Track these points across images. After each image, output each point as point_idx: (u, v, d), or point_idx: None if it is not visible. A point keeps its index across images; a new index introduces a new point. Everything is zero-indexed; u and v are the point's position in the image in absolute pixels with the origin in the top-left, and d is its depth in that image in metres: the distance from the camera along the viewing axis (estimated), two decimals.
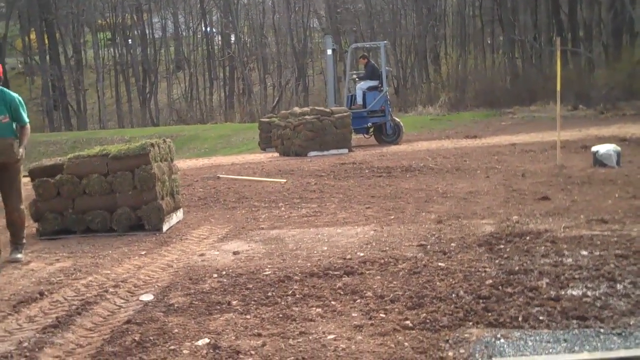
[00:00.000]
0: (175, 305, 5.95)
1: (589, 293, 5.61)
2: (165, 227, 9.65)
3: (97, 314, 5.85)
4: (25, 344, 5.20)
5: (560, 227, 8.15)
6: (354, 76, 23.92)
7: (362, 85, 23.01)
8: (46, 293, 6.62)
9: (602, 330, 4.84)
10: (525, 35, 43.80)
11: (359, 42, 42.78)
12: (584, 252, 6.93)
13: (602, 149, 13.68)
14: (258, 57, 56.00)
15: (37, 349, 5.08)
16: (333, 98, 23.81)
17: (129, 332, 5.29)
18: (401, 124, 23.61)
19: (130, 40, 58.17)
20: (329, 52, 23.65)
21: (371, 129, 23.33)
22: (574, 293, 5.64)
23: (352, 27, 51.78)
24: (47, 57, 56.20)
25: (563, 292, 5.66)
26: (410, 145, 22.17)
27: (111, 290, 6.60)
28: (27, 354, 5.00)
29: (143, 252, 8.33)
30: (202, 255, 7.94)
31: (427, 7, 48.88)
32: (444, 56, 52.03)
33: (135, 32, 57.88)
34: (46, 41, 56.84)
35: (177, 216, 10.43)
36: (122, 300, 6.24)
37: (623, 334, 4.76)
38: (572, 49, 41.01)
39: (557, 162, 14.19)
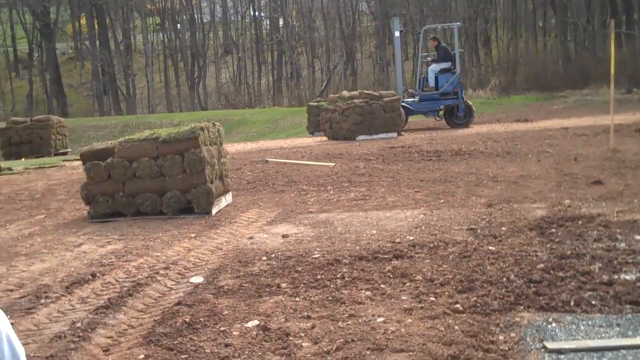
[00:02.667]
0: (225, 287, 5.99)
1: None
2: (214, 210, 9.71)
3: (148, 296, 5.91)
4: (78, 325, 5.28)
5: (613, 212, 8.02)
6: (428, 59, 23.42)
7: (435, 67, 22.60)
8: (98, 275, 6.71)
9: None
10: (578, 17, 43.10)
11: (408, 26, 42.43)
12: (638, 237, 6.82)
13: None
14: (306, 41, 55.91)
15: (89, 330, 5.15)
16: (401, 81, 23.40)
17: (180, 314, 5.33)
18: (473, 107, 23.33)
19: (179, 25, 58.50)
20: (397, 34, 23.27)
21: (441, 112, 23.02)
22: (627, 278, 5.55)
23: (401, 10, 51.37)
24: (97, 42, 56.82)
25: (616, 277, 5.57)
26: (460, 129, 21.99)
27: (161, 272, 6.66)
28: (80, 334, 5.07)
29: (193, 235, 8.39)
30: (251, 238, 7.97)
31: None
32: (495, 39, 51.40)
33: (184, 16, 58.16)
34: (96, 26, 57.47)
35: (226, 199, 10.48)
36: (173, 282, 6.29)
37: None
38: (626, 31, 40.22)
39: (610, 146, 13.94)
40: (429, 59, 23.34)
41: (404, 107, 21.61)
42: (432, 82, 22.52)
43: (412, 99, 22.82)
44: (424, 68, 23.66)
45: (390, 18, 22.93)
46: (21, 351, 1.98)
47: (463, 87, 23.19)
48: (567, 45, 45.37)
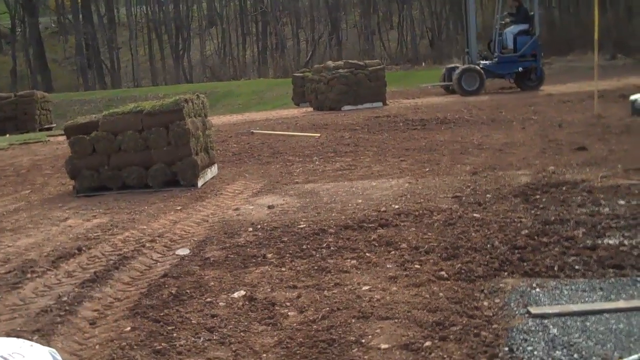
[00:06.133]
0: (211, 259, 6.00)
1: (625, 242, 5.57)
2: (200, 183, 9.70)
3: (135, 269, 5.92)
4: (65, 298, 5.28)
5: (597, 177, 8.06)
6: (508, 19, 22.98)
7: (513, 29, 22.39)
8: (84, 248, 6.71)
9: (638, 278, 4.80)
10: None
11: None
12: (621, 202, 6.86)
13: None
14: (291, 11, 55.63)
15: (76, 303, 5.16)
16: (475, 43, 23.08)
17: (166, 286, 5.34)
18: (544, 70, 23.14)
19: None
20: None
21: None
22: (611, 242, 5.59)
23: None
24: (80, 16, 56.31)
25: (599, 242, 5.61)
26: (445, 97, 22.00)
27: (148, 245, 6.67)
28: (67, 307, 5.07)
29: (178, 208, 8.39)
30: (236, 209, 7.98)
31: None
32: (479, 6, 51.19)
33: None
34: (79, 0, 56.92)
35: (212, 172, 10.48)
36: (159, 255, 6.30)
37: None
38: None
39: (595, 112, 13.99)
40: (507, 19, 22.95)
41: (482, 69, 21.75)
42: (510, 44, 22.31)
43: (486, 61, 22.67)
44: (501, 29, 23.00)
45: None
46: None
47: (541, 49, 22.96)
48: (551, 11, 45.25)
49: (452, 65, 24.15)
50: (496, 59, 22.35)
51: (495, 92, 22.74)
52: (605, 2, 38.20)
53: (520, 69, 22.20)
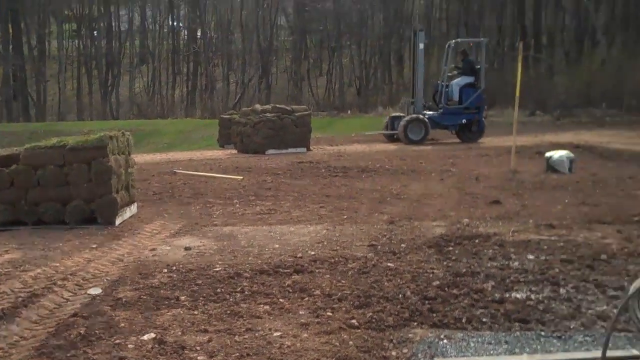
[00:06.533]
0: (124, 299, 5.95)
1: (532, 296, 5.74)
2: (118, 221, 9.60)
3: (44, 307, 5.83)
4: None
5: (509, 231, 8.30)
6: (455, 71, 23.54)
7: (459, 81, 22.82)
8: None
9: (542, 333, 4.95)
10: (490, 39, 44.11)
11: (324, 42, 42.69)
12: (531, 256, 7.08)
13: (556, 155, 13.91)
14: (223, 53, 55.74)
15: None
16: (422, 94, 23.35)
17: (75, 326, 5.28)
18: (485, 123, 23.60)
19: (95, 32, 57.58)
20: (421, 46, 23.27)
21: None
22: (518, 296, 5.76)
23: (319, 26, 51.88)
24: (10, 47, 55.31)
25: (507, 295, 5.77)
26: (368, 145, 22.28)
27: (59, 283, 6.56)
28: None
29: (94, 246, 8.29)
30: (153, 250, 7.93)
31: (394, 9, 49.01)
32: (408, 58, 52.18)
33: (102, 24, 57.30)
34: (10, 30, 55.94)
35: (131, 210, 10.39)
36: (70, 294, 6.21)
37: (563, 337, 4.88)
38: (534, 54, 41.44)
39: (511, 167, 14.36)
40: (455, 71, 23.47)
41: (427, 119, 22.14)
42: (456, 96, 22.75)
43: (431, 112, 23.01)
44: (447, 81, 23.34)
45: (417, 31, 22.84)
46: None
47: (485, 103, 23.46)
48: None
49: (396, 114, 24.57)
50: (441, 110, 22.85)
51: (395, 143, 23.06)
52: (528, 60, 39.41)
53: (464, 120, 22.77)
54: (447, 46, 24.25)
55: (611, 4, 43.22)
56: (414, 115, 22.33)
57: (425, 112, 22.81)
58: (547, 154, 14.21)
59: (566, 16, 44.50)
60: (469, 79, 22.78)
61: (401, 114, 23.90)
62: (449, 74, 23.28)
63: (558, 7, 44.16)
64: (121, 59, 57.14)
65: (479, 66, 23.06)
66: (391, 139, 23.51)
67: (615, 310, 4.98)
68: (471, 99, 22.42)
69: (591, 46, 42.88)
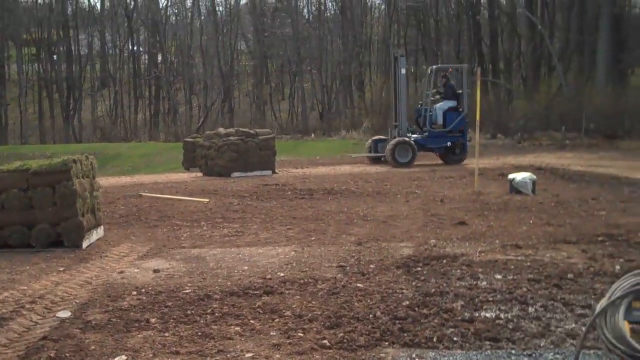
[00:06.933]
0: (93, 322, 5.91)
1: (501, 315, 5.81)
2: (85, 244, 9.54)
3: (12, 330, 5.77)
4: None
5: (476, 252, 8.39)
6: (437, 96, 23.80)
7: (442, 105, 23.12)
8: None
9: (513, 351, 5.01)
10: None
11: (285, 66, 42.80)
12: (498, 276, 7.16)
13: (518, 177, 14.08)
14: (185, 77, 55.67)
15: None
16: (406, 117, 23.47)
17: (44, 349, 5.24)
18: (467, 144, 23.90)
19: (55, 56, 57.20)
20: (403, 71, 23.46)
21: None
22: (488, 315, 5.82)
23: (278, 51, 52.08)
24: None
25: (477, 314, 5.84)
26: (333, 168, 22.37)
27: (27, 306, 6.50)
28: None
29: (61, 269, 8.23)
30: (121, 272, 7.89)
31: (353, 35, 49.40)
32: (369, 82, 52.57)
33: (61, 48, 56.92)
34: None
35: (98, 233, 10.32)
36: (39, 317, 6.16)
37: (533, 355, 4.93)
38: (492, 79, 42.01)
39: (475, 189, 14.53)
40: (437, 96, 23.76)
41: (414, 142, 22.48)
42: (439, 120, 23.08)
43: (416, 135, 23.29)
44: (430, 105, 23.61)
45: (397, 57, 23.16)
46: None
47: (467, 126, 23.73)
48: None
49: (378, 137, 24.99)
50: (427, 134, 23.18)
51: (381, 165, 23.21)
52: (487, 84, 39.94)
53: (449, 143, 23.07)
54: (429, 71, 24.76)
55: (565, 30, 44.05)
56: (401, 139, 22.62)
57: (410, 135, 23.08)
58: (510, 176, 14.38)
59: (522, 42, 45.19)
60: (451, 103, 23.17)
61: (383, 137, 24.42)
62: (432, 98, 23.66)
63: (514, 33, 44.85)
64: (82, 83, 56.77)
65: (460, 91, 23.47)
66: (375, 161, 23.89)
67: (583, 328, 5.06)
68: (455, 122, 22.79)
69: (548, 71, 43.67)
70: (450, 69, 24.86)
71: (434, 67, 24.83)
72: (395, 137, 22.89)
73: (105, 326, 5.79)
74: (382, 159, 23.39)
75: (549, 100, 36.30)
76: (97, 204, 10.46)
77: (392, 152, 22.28)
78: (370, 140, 25.11)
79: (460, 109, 23.14)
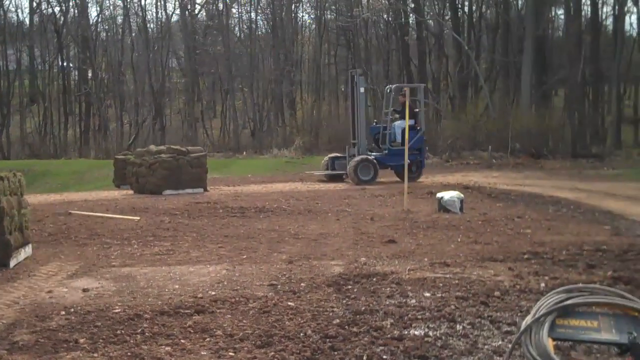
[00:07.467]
0: (20, 342, 5.83)
1: (430, 333, 5.92)
2: (12, 263, 9.37)
3: None
4: None
5: (405, 270, 8.51)
6: (396, 115, 23.92)
7: (400, 123, 22.99)
8: None
9: None
10: (377, 84, 45.10)
11: (217, 84, 42.63)
12: (427, 294, 7.29)
13: (447, 195, 14.32)
14: (115, 94, 55.03)
15: None
16: (365, 135, 23.66)
17: None
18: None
19: None
20: (362, 90, 23.56)
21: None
22: (417, 333, 5.93)
23: (210, 69, 51.95)
24: None
25: (406, 332, 5.94)
26: (264, 186, 22.40)
27: None
28: None
29: None
30: (50, 292, 7.78)
31: (284, 54, 49.60)
32: (300, 101, 52.78)
33: None
34: None
35: (26, 252, 10.15)
36: None
37: None
38: (421, 99, 42.58)
39: (404, 207, 14.72)
40: (397, 115, 23.90)
41: (375, 160, 22.72)
42: (399, 138, 23.13)
43: (376, 153, 23.45)
44: (388, 123, 23.91)
45: (356, 75, 23.34)
46: None
47: (426, 145, 23.94)
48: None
49: (334, 155, 25.27)
50: (386, 152, 23.43)
51: (339, 182, 23.35)
52: (416, 105, 40.49)
53: (408, 161, 23.20)
54: (387, 90, 25.16)
55: (491, 52, 45.08)
56: (363, 156, 22.86)
57: (369, 153, 23.36)
58: (439, 195, 14.61)
59: (450, 63, 46.06)
60: (409, 122, 23.33)
61: (339, 155, 24.80)
62: (390, 117, 23.94)
63: (441, 54, 45.68)
64: (10, 99, 55.66)
65: (417, 109, 23.91)
66: (333, 178, 24.11)
67: (509, 345, 5.19)
68: (413, 140, 22.94)
69: (475, 92, 44.58)
70: (407, 88, 25.30)
71: (392, 86, 25.22)
72: (354, 155, 23.15)
73: (32, 347, 5.72)
74: (344, 176, 23.66)
75: (476, 121, 37.07)
76: (25, 222, 10.28)
77: (354, 169, 22.51)
78: (327, 158, 25.32)
79: (418, 127, 23.52)
